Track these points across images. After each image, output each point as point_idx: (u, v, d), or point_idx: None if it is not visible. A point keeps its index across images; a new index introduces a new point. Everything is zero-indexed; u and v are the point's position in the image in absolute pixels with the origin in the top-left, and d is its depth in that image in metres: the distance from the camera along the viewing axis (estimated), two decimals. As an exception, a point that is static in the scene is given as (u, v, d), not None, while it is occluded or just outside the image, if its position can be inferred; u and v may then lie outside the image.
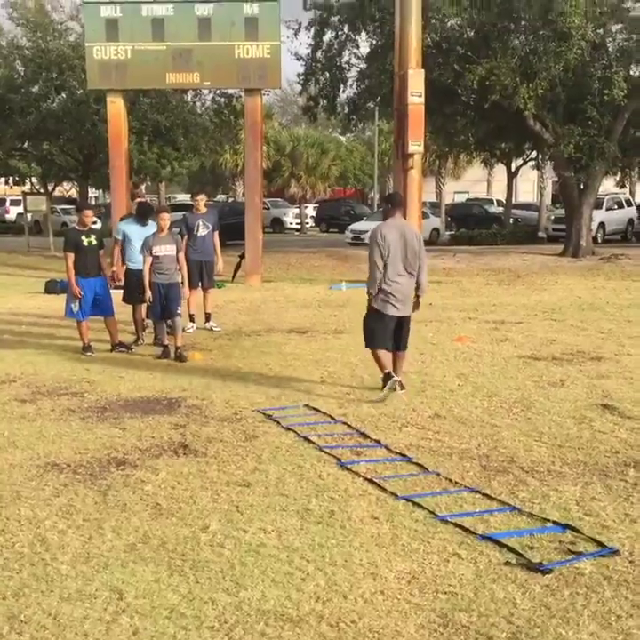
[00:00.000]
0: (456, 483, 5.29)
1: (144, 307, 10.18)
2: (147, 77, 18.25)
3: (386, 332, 7.53)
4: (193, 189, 51.46)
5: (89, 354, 9.58)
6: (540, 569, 4.03)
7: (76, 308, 9.65)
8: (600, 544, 4.31)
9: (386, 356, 7.57)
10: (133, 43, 17.77)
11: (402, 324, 7.60)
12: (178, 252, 9.65)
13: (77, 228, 9.85)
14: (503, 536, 4.42)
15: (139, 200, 11.08)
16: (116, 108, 18.42)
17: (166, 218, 9.56)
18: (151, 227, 10.23)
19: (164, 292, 9.51)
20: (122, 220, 11.15)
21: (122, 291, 10.40)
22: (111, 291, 10.04)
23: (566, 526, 4.53)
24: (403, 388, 7.57)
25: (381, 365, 7.57)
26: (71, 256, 9.54)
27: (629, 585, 3.89)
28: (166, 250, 9.51)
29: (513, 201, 38.56)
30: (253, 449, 6.03)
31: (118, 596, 3.79)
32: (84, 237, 9.61)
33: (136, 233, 10.17)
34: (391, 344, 7.58)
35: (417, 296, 7.65)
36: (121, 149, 18.69)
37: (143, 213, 10.46)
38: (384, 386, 7.47)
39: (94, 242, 9.69)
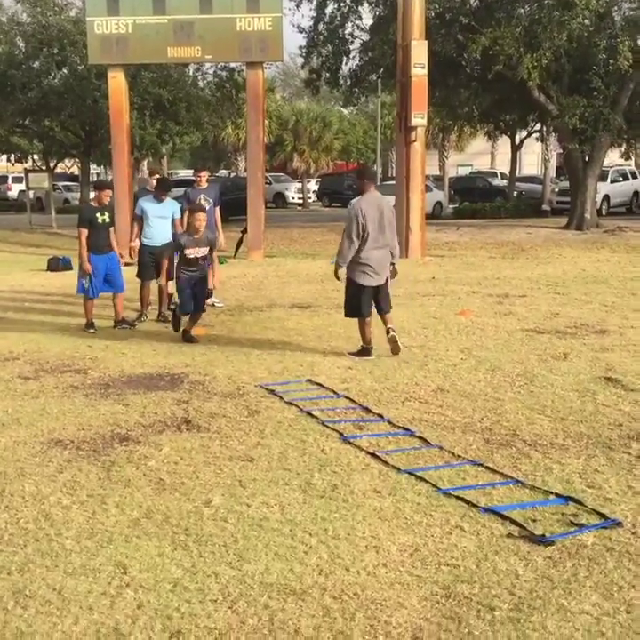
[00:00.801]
0: (459, 456, 5.30)
1: (154, 284, 10.28)
2: (148, 52, 18.10)
3: (367, 302, 8.10)
4: (195, 165, 51.33)
5: (91, 331, 9.60)
6: (542, 541, 4.04)
7: (86, 284, 9.67)
8: (603, 516, 4.32)
9: (368, 326, 8.17)
10: (134, 16, 17.63)
11: (379, 291, 8.15)
12: (211, 252, 9.24)
13: (93, 204, 9.89)
14: (506, 509, 4.43)
15: (157, 177, 11.02)
16: (117, 82, 18.31)
17: (202, 218, 9.02)
18: (168, 203, 10.38)
19: (193, 284, 9.10)
20: (139, 196, 11.12)
21: (127, 267, 10.45)
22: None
23: (569, 498, 4.54)
24: (396, 342, 8.13)
25: (364, 335, 8.18)
26: (85, 232, 9.56)
27: (632, 556, 3.90)
28: (199, 252, 9.05)
29: (517, 174, 38.39)
30: (256, 424, 6.04)
31: (122, 571, 3.82)
32: (98, 214, 9.65)
33: (152, 210, 10.27)
34: (370, 311, 8.20)
35: (392, 264, 8.24)
36: (122, 125, 18.60)
37: (162, 188, 10.48)
38: (361, 355, 8.06)
39: (108, 219, 9.76)
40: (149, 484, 4.89)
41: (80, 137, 25.17)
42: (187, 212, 10.80)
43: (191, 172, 28.95)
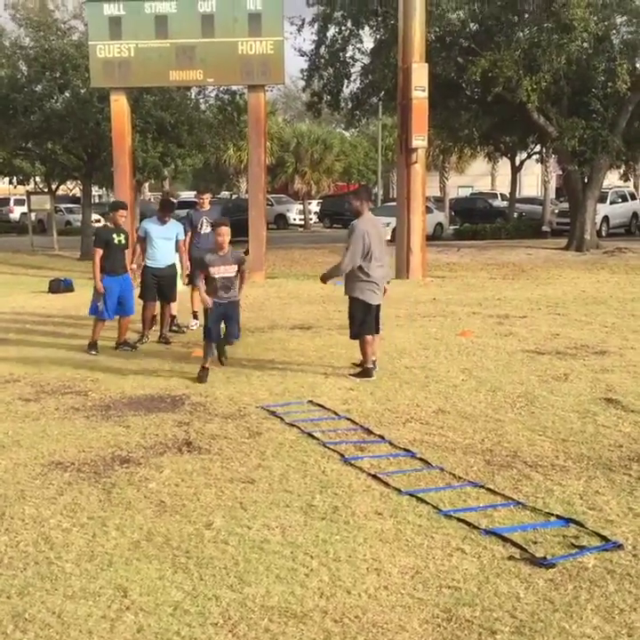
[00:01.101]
0: (460, 477, 5.29)
1: (157, 305, 10.31)
2: (150, 75, 18.23)
3: (372, 320, 8.21)
4: (197, 186, 51.54)
5: (93, 352, 9.61)
6: (543, 563, 4.03)
7: (101, 306, 9.70)
8: (604, 538, 4.31)
9: (371, 345, 8.23)
10: (137, 40, 17.75)
11: (378, 310, 8.32)
12: (240, 271, 8.37)
13: (109, 225, 9.96)
14: (507, 531, 4.42)
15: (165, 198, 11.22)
16: (119, 106, 18.43)
17: (225, 233, 8.21)
18: (172, 225, 10.46)
19: (223, 311, 8.31)
20: (144, 218, 11.23)
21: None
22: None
23: (570, 520, 4.54)
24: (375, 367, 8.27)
25: (369, 354, 8.21)
26: (100, 252, 9.62)
27: (633, 579, 3.89)
28: (226, 271, 8.20)
29: (517, 195, 38.57)
30: (257, 445, 6.03)
31: (122, 594, 3.81)
32: (114, 236, 9.72)
33: (156, 231, 10.32)
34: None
35: (388, 282, 8.53)
36: (124, 147, 18.70)
37: (165, 209, 10.55)
38: (362, 376, 8.08)
39: (123, 241, 9.82)
40: (150, 506, 4.89)
41: (82, 159, 25.27)
42: (189, 233, 10.89)
43: (193, 193, 29.12)
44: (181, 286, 10.97)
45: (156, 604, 3.71)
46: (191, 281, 10.73)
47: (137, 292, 10.40)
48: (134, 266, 10.45)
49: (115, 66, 17.85)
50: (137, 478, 5.36)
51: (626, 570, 3.98)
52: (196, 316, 11.28)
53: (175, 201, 11.66)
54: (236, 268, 8.25)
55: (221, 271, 8.15)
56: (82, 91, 23.46)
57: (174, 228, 10.48)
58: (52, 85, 23.86)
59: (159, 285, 10.27)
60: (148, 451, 5.95)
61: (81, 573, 4.02)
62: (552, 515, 4.64)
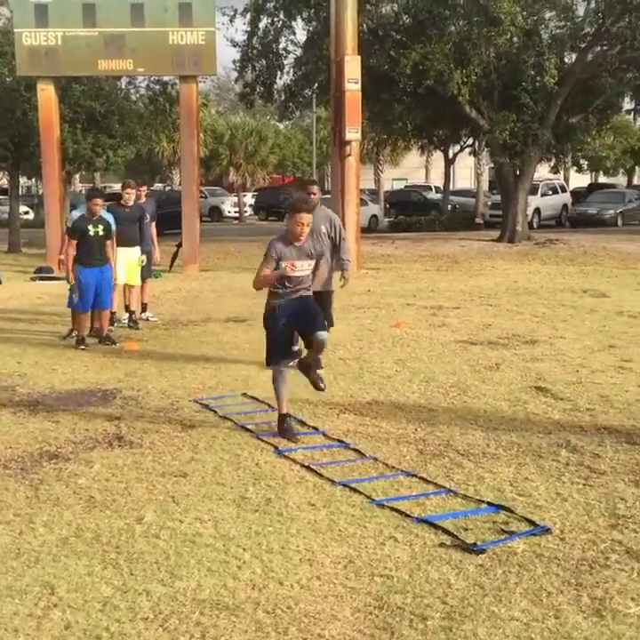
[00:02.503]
0: (393, 467, 5.32)
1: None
2: (78, 64, 17.89)
3: None
4: (129, 178, 50.78)
5: (82, 347, 9.32)
6: (473, 549, 4.08)
7: (76, 297, 9.43)
8: (532, 523, 4.38)
9: None
10: (64, 28, 17.41)
11: None
12: (316, 268, 6.54)
13: (86, 216, 9.59)
14: (439, 519, 4.46)
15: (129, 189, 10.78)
16: (46, 95, 18.05)
17: (305, 222, 6.17)
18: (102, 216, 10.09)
19: (296, 311, 6.27)
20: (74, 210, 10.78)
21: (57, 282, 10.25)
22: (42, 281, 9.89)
23: (500, 507, 4.60)
24: None
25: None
26: (73, 243, 9.39)
27: (560, 562, 3.96)
28: (303, 268, 6.29)
29: (451, 187, 38.98)
30: (190, 439, 5.98)
31: (50, 591, 3.72)
32: (91, 226, 9.43)
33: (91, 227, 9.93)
34: None
35: None
36: (52, 138, 18.33)
37: (89, 198, 10.26)
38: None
39: (101, 232, 9.51)
40: (79, 502, 4.80)
41: (9, 150, 24.66)
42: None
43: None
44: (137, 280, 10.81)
45: (84, 601, 3.64)
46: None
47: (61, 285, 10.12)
48: (62, 257, 10.18)
49: (41, 54, 17.48)
50: (66, 474, 5.25)
51: (553, 553, 4.05)
52: (127, 310, 11.10)
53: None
54: (313, 262, 6.40)
55: (297, 268, 6.28)
56: (8, 79, 22.88)
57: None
58: (-23, 74, 23.22)
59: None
60: (78, 446, 5.84)
61: (7, 571, 3.92)
62: (483, 502, 4.70)
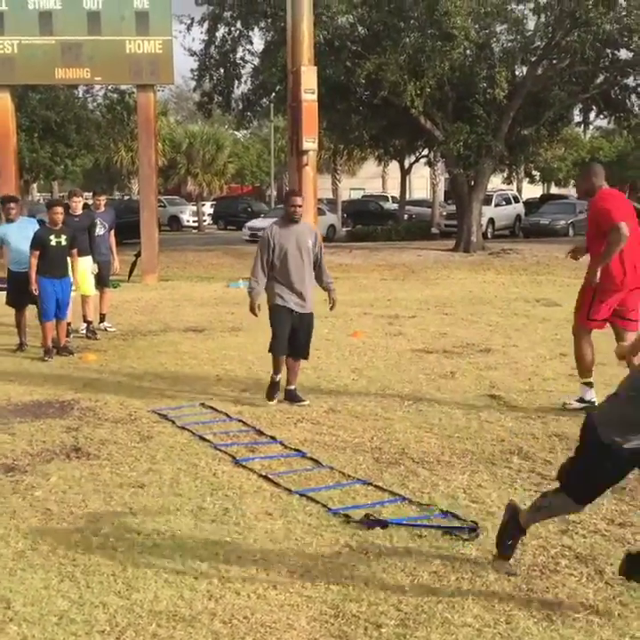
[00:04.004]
0: (349, 476, 5.39)
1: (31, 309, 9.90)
2: (35, 72, 17.77)
3: None
4: (88, 188, 50.34)
5: (47, 358, 9.23)
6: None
7: (38, 308, 9.42)
8: (473, 528, 4.48)
9: None
10: (20, 36, 17.27)
11: None
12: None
13: (48, 226, 9.48)
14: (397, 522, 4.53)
15: (76, 199, 10.71)
16: (2, 104, 17.87)
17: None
18: (23, 223, 9.97)
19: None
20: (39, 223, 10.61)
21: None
22: None
23: (448, 512, 4.70)
24: None
25: None
26: (35, 253, 9.25)
27: (511, 567, 4.05)
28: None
29: (407, 197, 39.32)
30: (148, 449, 5.98)
31: (5, 605, 3.71)
32: (52, 237, 9.32)
33: (12, 234, 9.78)
34: None
35: None
36: (9, 147, 18.14)
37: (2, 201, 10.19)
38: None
39: (63, 242, 9.39)
40: (36, 514, 4.78)
41: (-36, 158, 24.41)
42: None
43: (87, 194, 28.44)
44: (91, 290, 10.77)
45: (40, 614, 3.64)
46: (102, 283, 10.69)
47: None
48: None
49: (-3, 62, 17.29)
50: (23, 486, 5.23)
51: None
52: (85, 320, 11.04)
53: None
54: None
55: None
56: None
57: (29, 226, 9.97)
58: None
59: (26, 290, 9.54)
60: (35, 458, 5.81)
61: (-38, 586, 3.91)
62: (436, 508, 4.79)
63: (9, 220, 9.80)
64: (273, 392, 7.35)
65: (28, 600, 3.76)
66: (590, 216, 6.95)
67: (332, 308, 7.63)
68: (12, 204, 9.96)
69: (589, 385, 6.92)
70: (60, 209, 9.55)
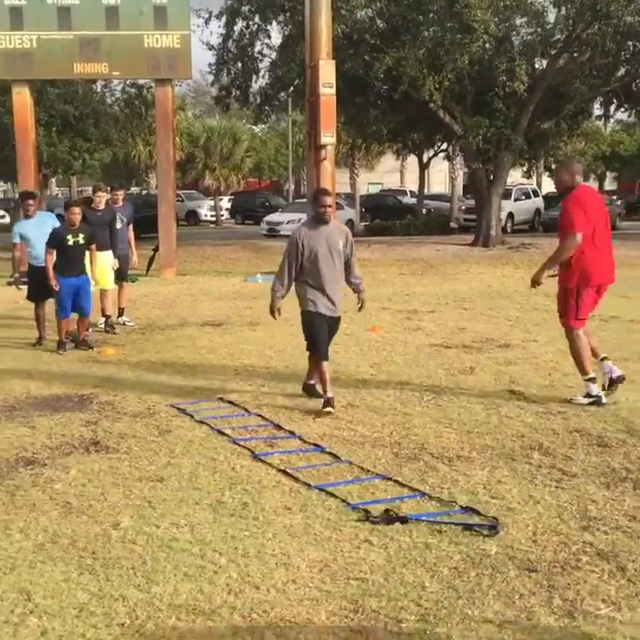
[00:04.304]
0: (368, 471, 5.37)
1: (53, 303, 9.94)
2: (53, 67, 17.82)
3: None
4: (106, 182, 50.54)
5: (61, 352, 9.34)
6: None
7: (55, 303, 9.47)
8: (492, 526, 4.44)
9: None
10: (39, 31, 17.33)
11: None
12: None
13: (66, 225, 9.49)
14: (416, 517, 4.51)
15: (99, 193, 10.79)
16: (21, 99, 17.94)
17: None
18: (41, 217, 9.99)
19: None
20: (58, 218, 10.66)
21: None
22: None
23: (469, 509, 4.66)
24: None
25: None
26: (51, 251, 9.29)
27: (532, 564, 4.02)
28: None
29: (425, 192, 39.17)
30: (166, 443, 5.99)
31: (26, 598, 3.73)
32: (70, 236, 9.34)
33: (30, 230, 9.85)
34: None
35: None
36: (28, 141, 18.21)
37: (21, 199, 10.21)
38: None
39: (81, 241, 9.42)
40: (56, 507, 4.80)
41: (-16, 153, 24.57)
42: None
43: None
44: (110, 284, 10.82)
45: (60, 607, 3.65)
46: (120, 277, 10.79)
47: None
48: (17, 275, 10.09)
49: (16, 57, 17.38)
50: (42, 480, 5.25)
51: (526, 555, 4.12)
52: (121, 313, 11.18)
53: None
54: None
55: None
56: (-18, 82, 22.75)
57: (47, 221, 10.07)
58: (-49, 76, 23.05)
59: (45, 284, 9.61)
60: (54, 451, 5.84)
61: (-17, 579, 3.93)
62: (455, 504, 4.76)
63: (27, 217, 9.87)
64: (314, 394, 7.22)
65: (48, 592, 3.78)
66: (561, 214, 7.08)
67: (360, 309, 7.40)
68: (31, 201, 10.03)
69: (592, 380, 6.94)
70: (77, 210, 9.52)
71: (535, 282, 7.30)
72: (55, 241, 9.33)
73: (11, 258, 10.52)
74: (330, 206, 6.95)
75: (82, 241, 9.45)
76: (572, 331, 6.98)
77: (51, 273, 9.30)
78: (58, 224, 9.97)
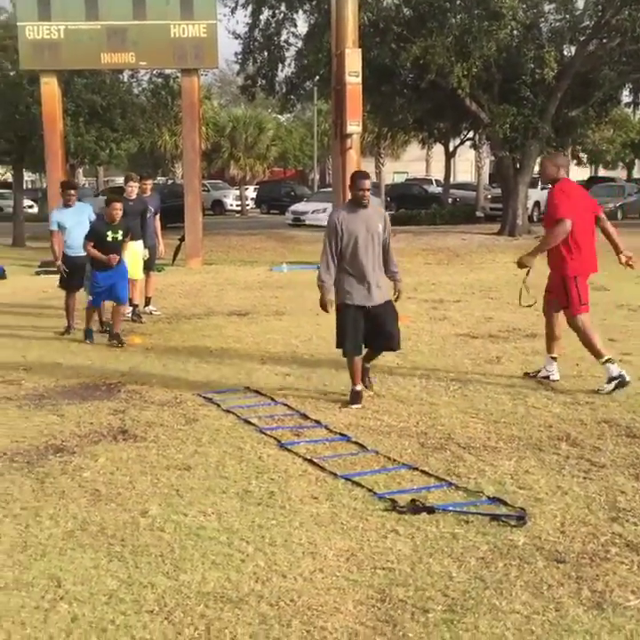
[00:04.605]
0: (394, 460, 5.36)
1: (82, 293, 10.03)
2: (81, 57, 17.91)
3: None
4: (132, 172, 50.73)
5: (88, 341, 9.39)
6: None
7: (88, 295, 9.54)
8: (505, 504, 4.48)
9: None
10: (66, 22, 17.43)
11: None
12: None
13: (106, 220, 9.33)
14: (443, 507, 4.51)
15: (131, 183, 10.88)
16: (49, 89, 18.05)
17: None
18: (79, 208, 10.05)
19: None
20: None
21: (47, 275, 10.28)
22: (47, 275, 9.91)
23: (495, 499, 4.65)
24: None
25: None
26: (90, 244, 9.20)
27: (560, 554, 4.00)
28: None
29: (451, 181, 38.95)
30: (193, 432, 6.02)
31: (56, 584, 3.77)
32: (109, 232, 9.21)
33: (68, 219, 9.94)
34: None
35: None
36: (56, 131, 18.34)
37: (61, 188, 10.25)
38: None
39: (120, 238, 9.31)
40: (85, 495, 4.85)
41: (13, 143, 24.68)
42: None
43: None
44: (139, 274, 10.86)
45: (90, 594, 3.69)
46: (147, 267, 10.75)
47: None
48: (60, 263, 10.14)
49: (44, 48, 17.50)
50: (71, 467, 5.30)
51: (554, 546, 4.10)
52: (131, 304, 11.17)
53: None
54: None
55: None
56: (11, 73, 22.89)
57: (85, 211, 10.16)
58: (-20, 67, 23.24)
59: (78, 274, 9.84)
60: (83, 439, 5.89)
61: (13, 564, 3.97)
62: (482, 494, 4.75)
63: (67, 206, 9.91)
64: (358, 400, 6.74)
65: (78, 579, 3.82)
66: (548, 204, 7.29)
67: (396, 299, 6.98)
68: (73, 191, 10.08)
69: (610, 361, 6.97)
70: (119, 205, 9.33)
71: (522, 264, 7.44)
72: (94, 235, 9.24)
73: (49, 246, 10.59)
74: (368, 190, 6.61)
75: (120, 237, 9.29)
76: (577, 318, 7.03)
77: (98, 255, 9.16)
78: (94, 217, 10.05)
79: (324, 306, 6.76)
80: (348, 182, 16.50)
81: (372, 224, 6.63)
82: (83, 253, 9.58)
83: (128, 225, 9.58)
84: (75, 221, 9.84)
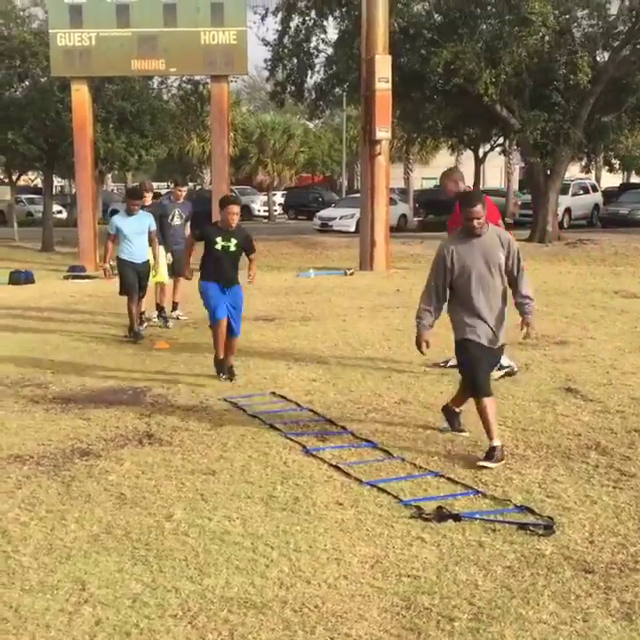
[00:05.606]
0: (420, 467, 5.32)
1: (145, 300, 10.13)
2: (112, 64, 18.07)
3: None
4: (162, 178, 51.08)
5: (221, 375, 8.00)
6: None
7: (206, 310, 8.26)
8: (532, 513, 4.43)
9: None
10: (98, 29, 17.61)
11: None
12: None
13: (219, 225, 7.93)
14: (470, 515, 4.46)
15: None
16: (80, 95, 18.23)
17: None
18: (141, 217, 10.10)
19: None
20: (107, 209, 10.99)
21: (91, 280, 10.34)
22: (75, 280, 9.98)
23: (523, 508, 4.59)
24: None
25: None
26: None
27: (588, 565, 3.94)
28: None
29: (480, 187, 38.75)
30: (219, 437, 6.02)
31: (81, 587, 3.78)
32: (219, 239, 7.76)
33: (127, 226, 9.96)
34: None
35: None
36: (86, 138, 18.51)
37: (129, 196, 10.36)
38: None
39: (233, 248, 7.78)
40: (110, 498, 4.85)
41: (43, 149, 24.93)
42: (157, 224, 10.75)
43: (156, 185, 28.88)
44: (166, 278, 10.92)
45: (114, 597, 3.68)
46: (176, 272, 10.72)
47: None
48: (107, 265, 10.23)
49: (76, 55, 17.69)
50: (97, 471, 5.32)
51: (582, 556, 4.04)
52: (175, 308, 11.31)
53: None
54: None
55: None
56: (42, 80, 23.14)
57: (146, 220, 10.23)
58: (12, 74, 23.50)
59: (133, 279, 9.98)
60: (109, 443, 5.91)
61: (39, 567, 3.98)
62: (510, 502, 4.69)
63: (130, 213, 9.94)
64: (453, 421, 6.17)
65: (103, 582, 3.82)
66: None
67: (525, 337, 6.15)
68: (138, 201, 10.10)
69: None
70: (234, 208, 7.92)
71: None
72: (201, 238, 8.04)
73: (105, 248, 10.64)
74: (479, 218, 5.52)
75: (233, 248, 7.88)
76: None
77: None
78: (154, 227, 10.16)
79: (418, 345, 6.06)
80: (376, 188, 16.39)
81: (491, 254, 5.64)
82: (138, 260, 9.92)
83: (248, 236, 8.18)
84: (132, 230, 9.94)
